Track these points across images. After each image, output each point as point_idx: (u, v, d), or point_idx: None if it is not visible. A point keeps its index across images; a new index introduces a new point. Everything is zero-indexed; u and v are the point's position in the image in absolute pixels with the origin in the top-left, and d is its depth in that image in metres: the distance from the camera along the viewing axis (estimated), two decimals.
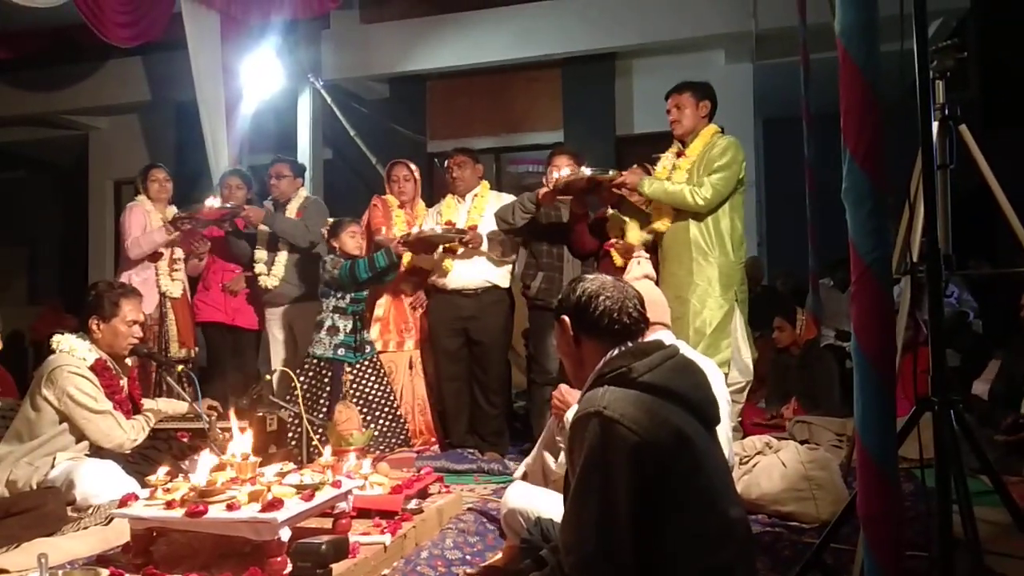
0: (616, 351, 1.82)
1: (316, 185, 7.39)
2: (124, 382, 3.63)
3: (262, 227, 5.01)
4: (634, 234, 4.22)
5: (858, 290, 1.67)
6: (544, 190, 4.31)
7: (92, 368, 3.42)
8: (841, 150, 1.69)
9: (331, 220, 4.88)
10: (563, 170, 4.30)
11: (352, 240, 4.56)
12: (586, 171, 4.15)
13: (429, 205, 5.10)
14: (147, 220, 5.03)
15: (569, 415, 2.33)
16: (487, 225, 4.66)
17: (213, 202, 4.91)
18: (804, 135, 5.67)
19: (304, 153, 7.35)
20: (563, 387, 2.50)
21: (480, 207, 4.75)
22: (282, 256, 5.02)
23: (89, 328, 3.51)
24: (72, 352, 3.42)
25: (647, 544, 1.62)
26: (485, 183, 4.92)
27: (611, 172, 4.17)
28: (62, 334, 3.52)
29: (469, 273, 4.66)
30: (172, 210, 5.18)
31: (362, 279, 4.49)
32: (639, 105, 7.52)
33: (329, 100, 7.33)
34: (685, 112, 4.07)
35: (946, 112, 2.33)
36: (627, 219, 4.34)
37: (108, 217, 9.16)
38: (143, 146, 8.85)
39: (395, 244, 4.55)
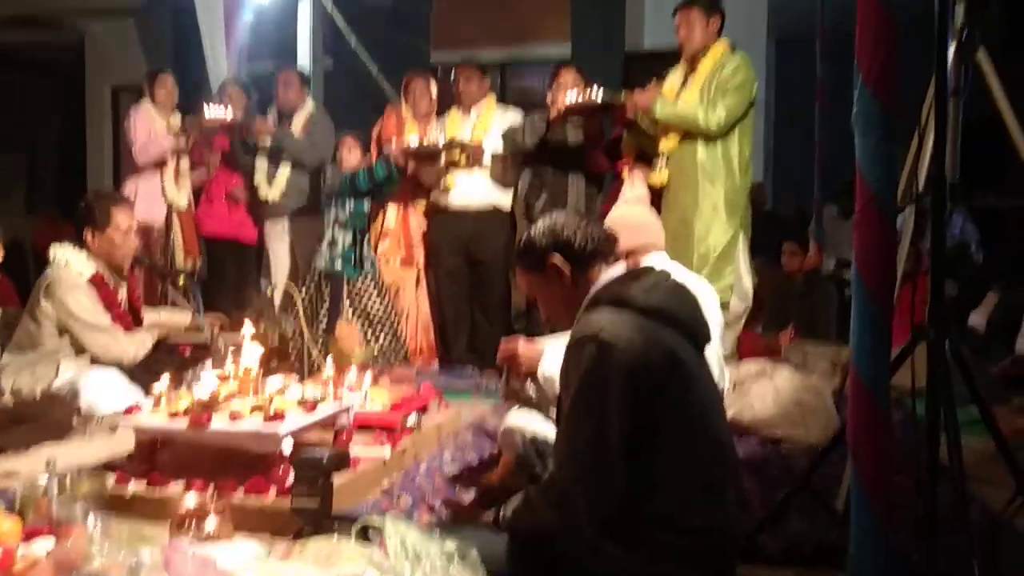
0: (608, 274, 1.82)
1: (316, 95, 7.24)
2: (124, 293, 3.64)
3: (267, 140, 4.94)
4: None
5: (861, 219, 1.66)
6: (555, 111, 4.21)
7: (90, 281, 3.42)
8: (854, 73, 1.64)
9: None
10: (573, 92, 4.20)
11: (348, 154, 4.53)
12: (597, 93, 4.05)
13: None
14: (152, 126, 4.95)
15: (543, 368, 2.25)
16: (493, 140, 4.60)
17: (220, 110, 4.82)
18: (817, 54, 5.53)
19: (304, 62, 7.16)
20: (521, 340, 2.37)
21: (485, 122, 4.68)
22: (284, 169, 4.98)
23: (84, 239, 3.50)
24: (69, 266, 3.41)
25: (640, 463, 1.66)
26: (491, 96, 4.84)
27: (623, 93, 4.07)
28: (60, 245, 3.50)
29: (471, 193, 4.63)
30: (177, 117, 5.10)
31: (361, 189, 4.47)
32: (650, 19, 7.27)
33: (330, 7, 7.10)
34: (694, 28, 3.93)
35: (964, 35, 2.25)
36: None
37: (106, 124, 9.00)
38: (140, 52, 8.63)
39: (394, 154, 4.49)
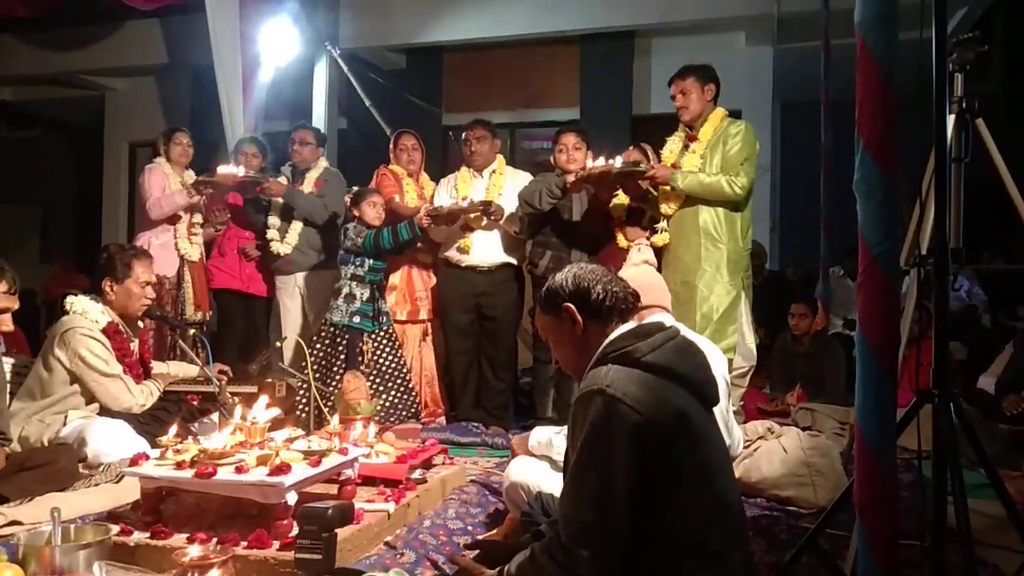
0: (619, 331, 1.85)
1: (330, 154, 7.37)
2: (135, 345, 3.68)
3: (279, 198, 5.03)
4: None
5: (864, 281, 1.68)
6: (571, 178, 4.25)
7: (104, 331, 3.46)
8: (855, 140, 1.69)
9: (354, 189, 4.90)
10: (595, 160, 4.20)
11: (372, 210, 4.60)
12: (616, 163, 4.07)
13: (442, 177, 5.08)
14: (166, 182, 5.05)
15: (532, 441, 2.71)
16: (505, 201, 4.67)
17: (233, 168, 4.92)
18: (822, 121, 5.62)
19: (319, 121, 7.34)
20: (513, 438, 2.91)
21: (499, 183, 4.74)
22: (296, 225, 5.04)
23: (102, 290, 3.55)
24: (85, 314, 3.46)
25: (645, 520, 1.66)
26: (501, 158, 4.92)
27: (642, 165, 4.09)
28: (75, 295, 3.55)
29: (485, 251, 4.69)
30: (190, 174, 5.20)
31: (385, 249, 4.55)
32: (656, 85, 7.47)
33: (346, 69, 7.31)
34: (691, 97, 4.04)
35: (963, 105, 2.32)
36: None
37: (122, 178, 9.21)
38: (159, 109, 8.87)
39: (419, 217, 4.57)
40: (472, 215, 4.58)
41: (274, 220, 5.09)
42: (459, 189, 4.78)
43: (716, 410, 1.90)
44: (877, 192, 1.65)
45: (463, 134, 4.88)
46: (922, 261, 2.26)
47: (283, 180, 5.11)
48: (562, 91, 7.65)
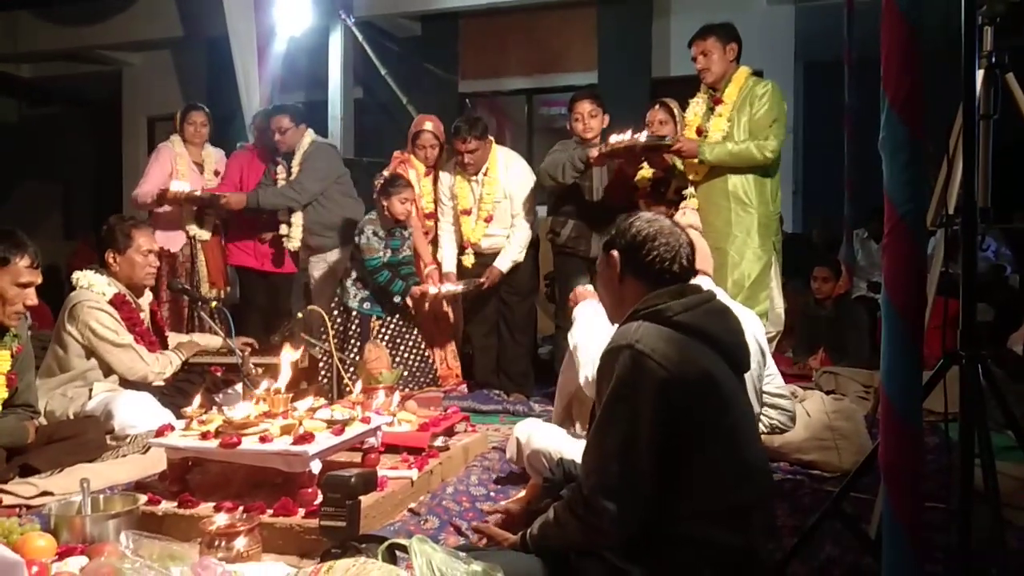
0: (655, 291, 1.82)
1: (347, 124, 7.37)
2: (145, 314, 3.71)
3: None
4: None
5: (890, 242, 1.65)
6: (595, 152, 4.16)
7: (111, 302, 3.49)
8: (881, 98, 1.65)
9: (385, 175, 4.78)
10: (617, 135, 4.08)
11: (402, 207, 4.52)
12: (641, 137, 3.97)
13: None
14: (174, 164, 5.03)
15: (577, 310, 2.79)
16: (508, 190, 4.67)
17: (184, 186, 4.81)
18: (845, 80, 5.52)
19: (335, 91, 7.32)
20: (578, 288, 2.90)
21: (492, 185, 4.67)
22: (297, 217, 4.99)
23: (106, 262, 3.58)
24: (91, 287, 3.50)
25: (667, 478, 1.66)
26: (492, 152, 4.72)
27: (667, 139, 3.99)
28: (82, 270, 3.59)
29: (497, 242, 4.75)
30: (210, 151, 5.17)
31: (374, 281, 4.55)
32: (676, 46, 7.31)
33: (361, 38, 7.24)
34: (713, 58, 3.91)
35: (993, 60, 2.25)
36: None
37: (141, 153, 9.21)
38: (176, 83, 8.87)
39: (416, 291, 4.58)
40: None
41: (282, 213, 5.03)
42: (458, 198, 4.73)
43: (747, 376, 1.89)
44: (903, 151, 1.61)
45: (454, 143, 4.65)
46: (949, 221, 2.21)
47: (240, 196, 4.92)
48: (579, 55, 7.53)
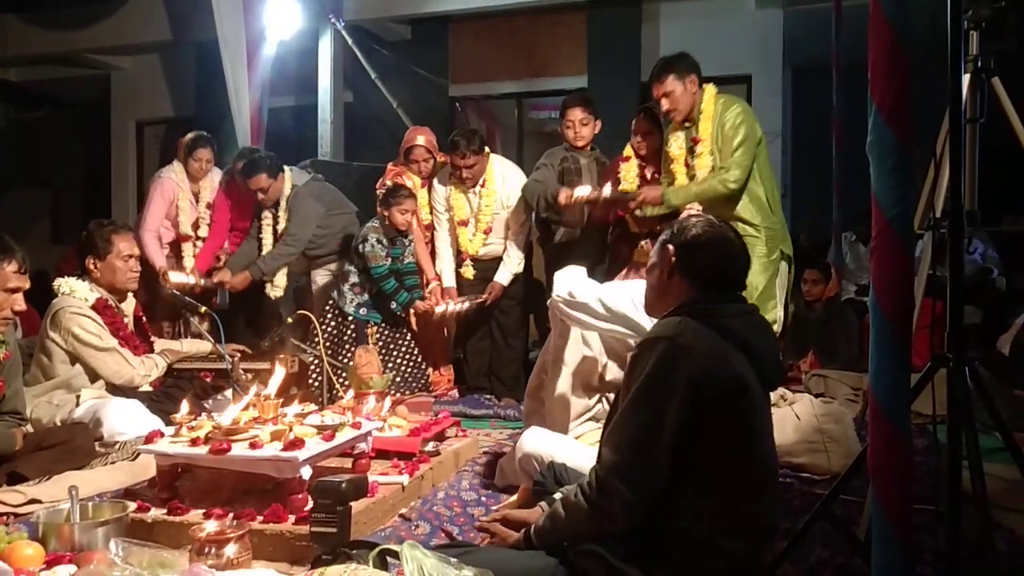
0: (703, 295, 1.85)
1: (337, 128, 7.36)
2: (129, 319, 3.70)
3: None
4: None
5: (878, 245, 1.66)
6: (564, 199, 4.19)
7: (93, 307, 3.48)
8: (868, 102, 1.66)
9: (388, 184, 4.76)
10: (583, 188, 4.21)
11: (402, 217, 4.53)
12: (605, 192, 4.11)
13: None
14: (176, 195, 5.03)
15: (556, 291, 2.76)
16: (505, 199, 4.70)
17: (184, 278, 4.78)
18: (833, 85, 5.55)
19: (325, 95, 7.31)
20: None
21: (490, 197, 4.69)
22: (280, 276, 5.02)
23: (87, 268, 3.57)
24: (73, 293, 3.49)
25: (680, 475, 1.68)
26: (489, 165, 4.73)
27: (630, 193, 4.08)
28: (64, 276, 3.58)
29: (495, 247, 4.78)
30: (211, 181, 5.13)
31: (380, 288, 4.56)
32: (666, 51, 7.27)
33: (350, 42, 7.23)
34: (675, 96, 3.82)
35: (979, 64, 2.27)
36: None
37: (130, 157, 9.21)
38: (165, 87, 8.83)
39: (420, 307, 4.60)
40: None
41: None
42: (454, 209, 4.74)
43: None
44: (890, 155, 1.62)
45: (451, 159, 4.63)
46: (937, 224, 2.22)
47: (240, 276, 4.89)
48: (569, 59, 7.54)
